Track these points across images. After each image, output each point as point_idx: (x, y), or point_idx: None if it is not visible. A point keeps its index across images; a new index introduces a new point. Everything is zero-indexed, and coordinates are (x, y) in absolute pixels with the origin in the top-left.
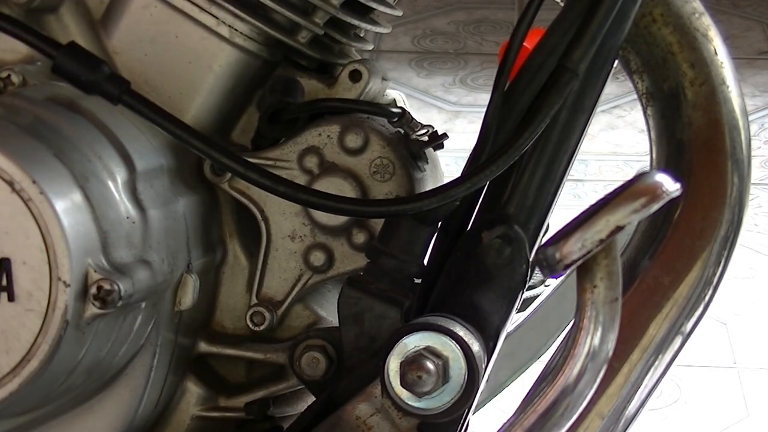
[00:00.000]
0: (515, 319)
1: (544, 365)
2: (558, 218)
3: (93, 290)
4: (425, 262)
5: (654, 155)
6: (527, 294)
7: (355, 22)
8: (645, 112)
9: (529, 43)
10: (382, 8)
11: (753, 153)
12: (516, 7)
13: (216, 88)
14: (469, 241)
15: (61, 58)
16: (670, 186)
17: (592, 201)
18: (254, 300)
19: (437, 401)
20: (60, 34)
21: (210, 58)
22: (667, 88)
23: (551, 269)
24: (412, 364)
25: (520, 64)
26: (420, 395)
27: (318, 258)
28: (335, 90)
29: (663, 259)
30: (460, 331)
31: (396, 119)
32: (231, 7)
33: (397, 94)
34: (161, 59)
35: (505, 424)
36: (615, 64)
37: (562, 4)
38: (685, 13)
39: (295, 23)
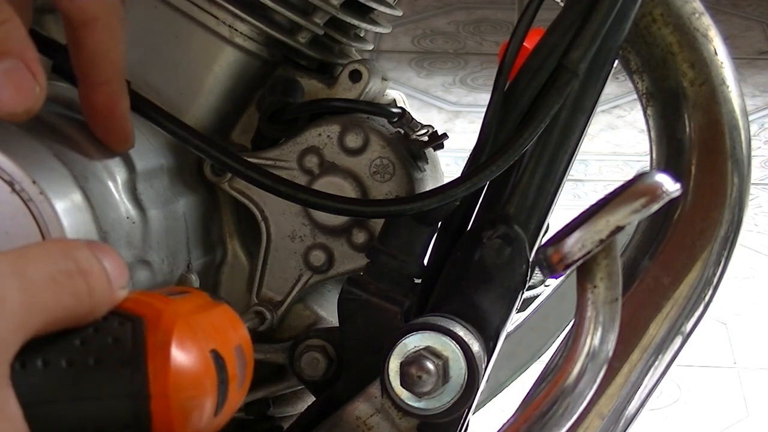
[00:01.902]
0: (515, 319)
1: (544, 365)
2: (558, 218)
3: None
4: (425, 262)
5: (654, 155)
6: (527, 294)
7: (355, 22)
8: (645, 112)
9: (529, 43)
10: (382, 8)
11: (753, 153)
12: (516, 7)
13: (216, 88)
14: (469, 241)
15: (61, 58)
16: (670, 186)
17: (592, 201)
18: (254, 300)
19: (437, 401)
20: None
21: (210, 58)
22: (667, 88)
23: (551, 269)
24: (412, 364)
25: (520, 64)
26: (420, 395)
27: (318, 258)
28: (335, 90)
29: (663, 259)
30: (460, 331)
31: (396, 119)
32: (231, 7)
33: (397, 94)
34: (161, 59)
35: (505, 424)
36: (615, 64)
37: (562, 4)
38: (685, 13)
39: (295, 23)
